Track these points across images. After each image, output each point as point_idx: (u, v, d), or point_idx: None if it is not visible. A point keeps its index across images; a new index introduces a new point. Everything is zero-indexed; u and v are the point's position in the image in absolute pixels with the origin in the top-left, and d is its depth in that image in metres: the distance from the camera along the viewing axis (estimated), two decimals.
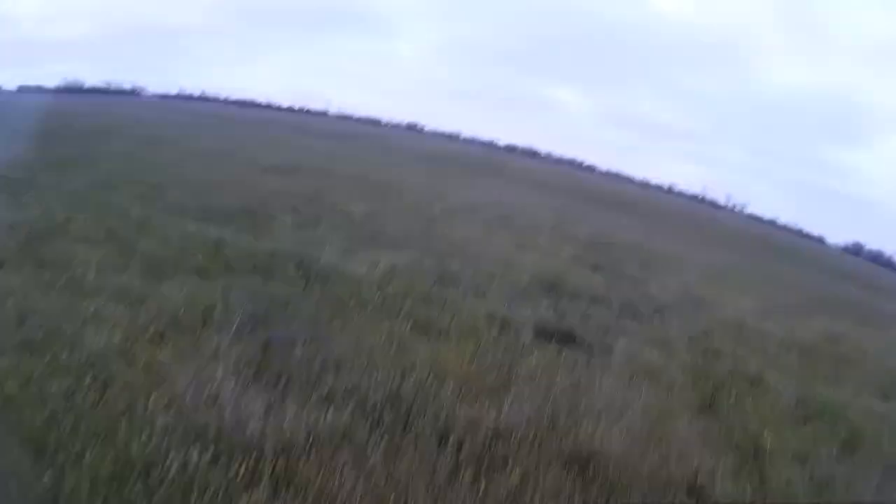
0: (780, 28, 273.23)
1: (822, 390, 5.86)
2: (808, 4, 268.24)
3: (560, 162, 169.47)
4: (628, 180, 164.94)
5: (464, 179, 27.37)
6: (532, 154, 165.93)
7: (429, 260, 8.00)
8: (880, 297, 24.21)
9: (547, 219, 17.59)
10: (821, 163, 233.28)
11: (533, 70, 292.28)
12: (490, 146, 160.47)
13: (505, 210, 17.45)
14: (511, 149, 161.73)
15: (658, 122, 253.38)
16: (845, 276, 30.81)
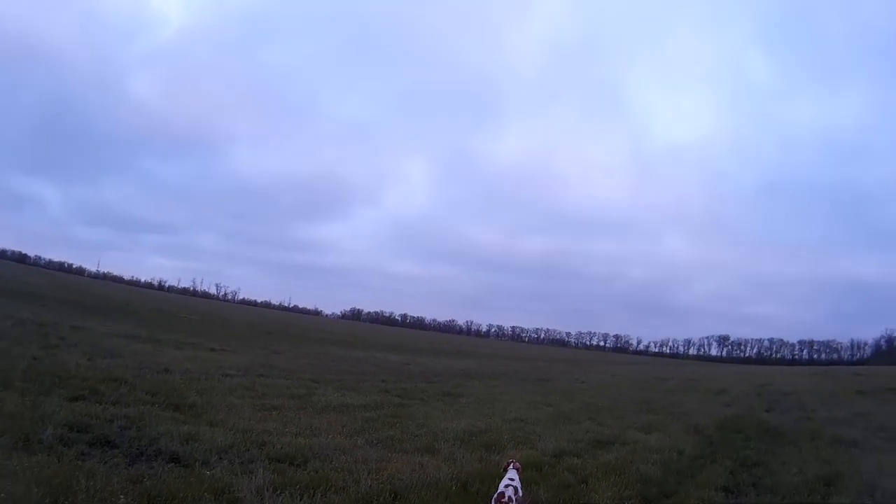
0: (252, 116, 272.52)
1: None
2: (279, 90, 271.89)
3: (50, 265, 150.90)
4: (119, 280, 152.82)
5: None
6: (21, 258, 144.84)
7: None
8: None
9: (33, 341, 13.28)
10: (299, 240, 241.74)
11: (7, 164, 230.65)
12: None
13: None
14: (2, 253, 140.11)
15: (133, 216, 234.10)
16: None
